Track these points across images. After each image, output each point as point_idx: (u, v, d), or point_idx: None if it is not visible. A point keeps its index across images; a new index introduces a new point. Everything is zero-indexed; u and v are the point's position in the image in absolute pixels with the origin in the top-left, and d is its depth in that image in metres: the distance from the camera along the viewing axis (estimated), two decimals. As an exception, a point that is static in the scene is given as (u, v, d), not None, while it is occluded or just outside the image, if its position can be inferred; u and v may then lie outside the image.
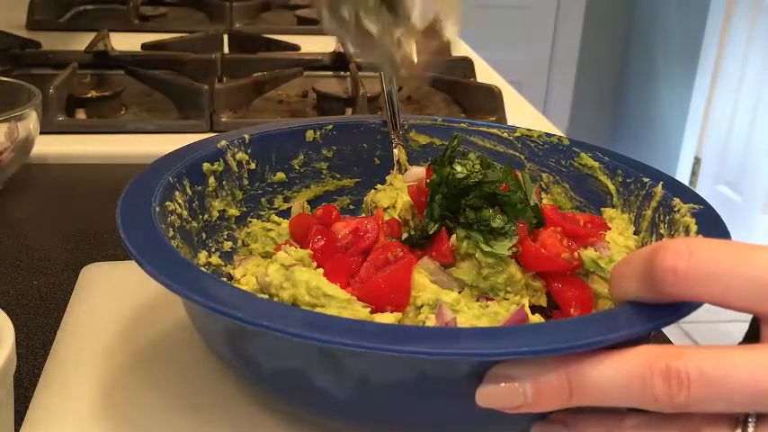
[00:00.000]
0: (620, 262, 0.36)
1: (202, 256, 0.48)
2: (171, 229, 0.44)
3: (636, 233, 0.50)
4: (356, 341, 0.31)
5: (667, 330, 0.53)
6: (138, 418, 0.42)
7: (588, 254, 0.45)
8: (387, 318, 0.41)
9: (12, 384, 0.38)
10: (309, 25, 1.42)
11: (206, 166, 0.50)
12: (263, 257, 0.50)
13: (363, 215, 0.56)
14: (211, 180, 0.50)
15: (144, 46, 1.17)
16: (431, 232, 0.45)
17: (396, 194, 0.53)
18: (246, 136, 0.53)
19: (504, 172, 0.46)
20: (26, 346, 0.50)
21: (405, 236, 0.48)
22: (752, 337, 0.33)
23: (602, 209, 0.53)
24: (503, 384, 0.32)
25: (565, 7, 3.26)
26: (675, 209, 0.47)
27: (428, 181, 0.47)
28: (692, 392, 0.30)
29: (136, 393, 0.44)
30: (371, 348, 0.31)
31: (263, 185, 0.55)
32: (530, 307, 0.43)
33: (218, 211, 0.51)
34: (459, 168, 0.45)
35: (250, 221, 0.53)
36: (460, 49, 1.31)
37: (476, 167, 0.46)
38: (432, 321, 0.41)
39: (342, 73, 1.10)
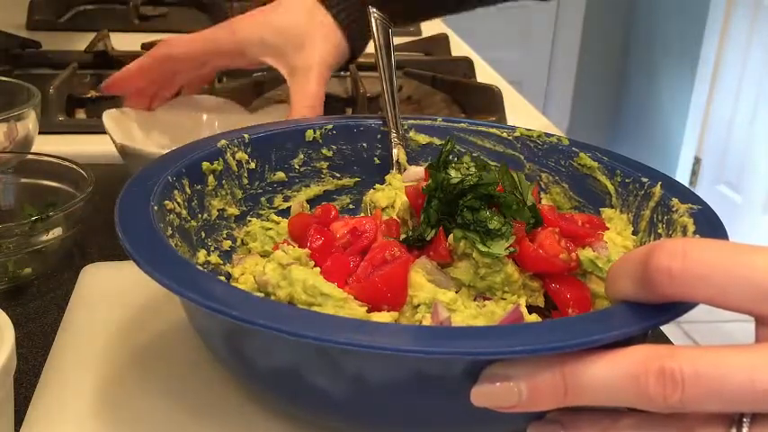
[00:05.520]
0: (616, 262, 0.36)
1: (201, 254, 0.48)
2: (170, 227, 0.44)
3: (634, 233, 0.50)
4: (351, 340, 0.31)
5: (667, 330, 0.53)
6: (138, 417, 0.42)
7: (586, 254, 0.45)
8: (383, 317, 0.41)
9: (12, 384, 0.38)
10: (309, 25, 1.42)
11: (205, 165, 0.50)
12: (262, 256, 0.51)
13: (362, 215, 0.56)
14: (211, 179, 0.50)
15: (144, 46, 1.17)
16: (428, 238, 0.45)
17: (394, 194, 0.54)
18: (246, 135, 0.54)
19: (500, 173, 0.46)
20: (26, 346, 0.50)
21: (403, 236, 0.48)
22: None
23: (600, 209, 0.53)
24: (498, 384, 0.32)
25: (565, 7, 3.25)
26: (674, 209, 0.47)
27: (424, 186, 0.47)
28: (687, 392, 0.30)
29: (135, 393, 0.44)
30: (366, 347, 0.31)
31: (262, 185, 0.55)
32: (528, 307, 0.43)
33: (218, 210, 0.51)
34: (453, 173, 0.46)
35: (249, 221, 0.53)
36: (460, 49, 1.31)
37: (470, 170, 0.46)
38: (428, 321, 0.41)
39: (342, 73, 1.10)
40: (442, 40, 1.27)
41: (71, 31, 1.28)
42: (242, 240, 0.52)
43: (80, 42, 1.13)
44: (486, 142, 0.58)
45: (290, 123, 0.58)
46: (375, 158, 0.59)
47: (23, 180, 0.63)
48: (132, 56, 1.08)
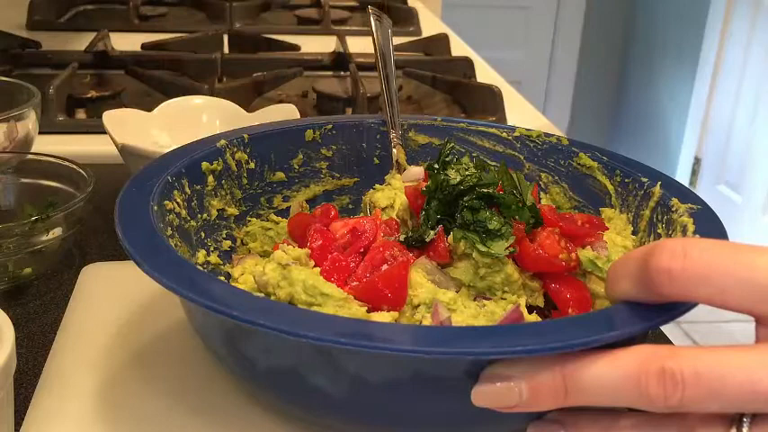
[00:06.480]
0: (616, 262, 0.36)
1: (201, 255, 0.48)
2: (169, 227, 0.44)
3: (634, 233, 0.50)
4: (351, 340, 0.31)
5: (667, 330, 0.53)
6: (138, 418, 0.42)
7: (586, 254, 0.45)
8: (383, 317, 0.41)
9: (12, 384, 0.38)
10: (309, 25, 1.42)
11: (205, 165, 0.50)
12: (261, 256, 0.51)
13: (362, 215, 0.56)
14: (210, 179, 0.50)
15: (144, 46, 1.17)
16: (428, 239, 0.45)
17: (394, 194, 0.54)
18: (245, 135, 0.54)
19: (500, 172, 0.46)
20: (26, 346, 0.50)
21: (403, 236, 0.48)
22: None
23: (600, 209, 0.53)
24: (498, 384, 0.32)
25: (565, 7, 3.25)
26: (673, 209, 0.47)
27: (423, 188, 0.47)
28: (687, 393, 0.30)
29: (135, 393, 0.44)
30: (366, 347, 0.31)
31: (262, 185, 0.55)
32: (528, 307, 0.43)
33: (218, 210, 0.51)
34: (452, 174, 0.46)
35: (249, 221, 0.53)
36: (461, 49, 1.31)
37: (470, 171, 0.46)
38: (428, 321, 0.41)
39: (342, 73, 1.11)
40: (442, 40, 1.27)
41: (71, 31, 1.28)
42: (242, 240, 0.52)
43: (80, 42, 1.13)
44: (486, 142, 0.58)
45: (290, 123, 0.58)
46: (374, 158, 0.59)
47: (23, 180, 0.63)
48: (132, 56, 1.09)
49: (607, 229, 0.49)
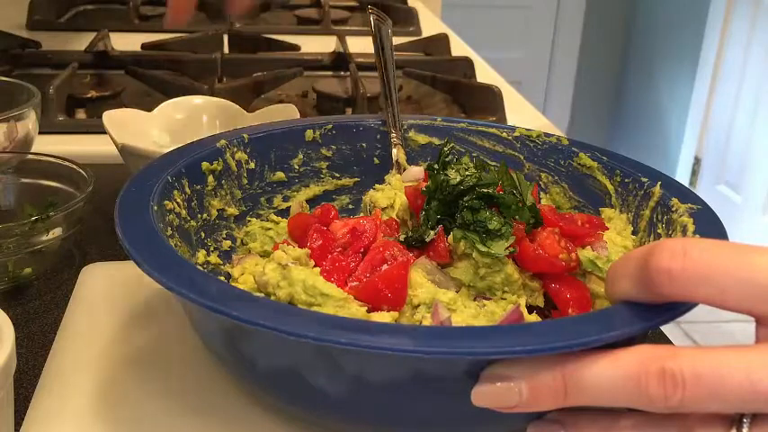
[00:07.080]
0: (616, 262, 0.36)
1: (201, 255, 0.48)
2: (169, 227, 0.44)
3: (634, 233, 0.50)
4: (351, 340, 0.31)
5: (667, 330, 0.53)
6: (138, 417, 0.42)
7: (586, 254, 0.45)
8: (383, 317, 0.41)
9: (12, 384, 0.38)
10: (309, 25, 1.42)
11: (205, 165, 0.50)
12: (261, 256, 0.51)
13: (362, 215, 0.56)
14: (210, 179, 0.50)
15: (144, 46, 1.17)
16: (428, 240, 0.45)
17: (394, 194, 0.54)
18: (245, 135, 0.54)
19: (499, 172, 0.47)
20: (26, 346, 0.50)
21: (403, 236, 0.48)
22: None
23: (600, 209, 0.53)
24: (498, 384, 0.32)
25: (565, 7, 3.25)
26: (673, 209, 0.47)
27: (424, 188, 0.47)
28: (687, 393, 0.30)
29: (135, 393, 0.44)
30: (366, 347, 0.31)
31: (262, 185, 0.55)
32: (528, 307, 0.43)
33: (218, 211, 0.51)
34: (452, 174, 0.46)
35: (249, 221, 0.53)
36: (460, 49, 1.31)
37: (470, 171, 0.46)
38: (428, 321, 0.41)
39: (342, 73, 1.10)
40: (442, 40, 1.27)
41: (71, 31, 1.28)
42: (242, 240, 0.52)
43: (80, 42, 1.13)
44: (486, 142, 0.58)
45: (290, 123, 0.58)
46: (375, 158, 0.59)
47: (23, 180, 0.63)
48: (132, 56, 1.09)
49: (607, 229, 0.49)
